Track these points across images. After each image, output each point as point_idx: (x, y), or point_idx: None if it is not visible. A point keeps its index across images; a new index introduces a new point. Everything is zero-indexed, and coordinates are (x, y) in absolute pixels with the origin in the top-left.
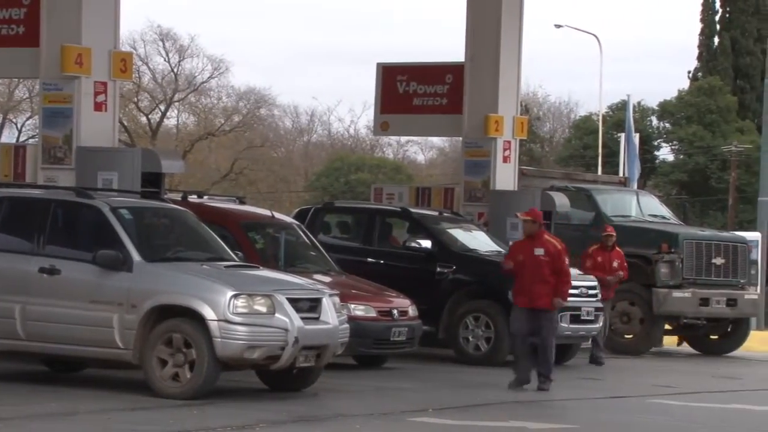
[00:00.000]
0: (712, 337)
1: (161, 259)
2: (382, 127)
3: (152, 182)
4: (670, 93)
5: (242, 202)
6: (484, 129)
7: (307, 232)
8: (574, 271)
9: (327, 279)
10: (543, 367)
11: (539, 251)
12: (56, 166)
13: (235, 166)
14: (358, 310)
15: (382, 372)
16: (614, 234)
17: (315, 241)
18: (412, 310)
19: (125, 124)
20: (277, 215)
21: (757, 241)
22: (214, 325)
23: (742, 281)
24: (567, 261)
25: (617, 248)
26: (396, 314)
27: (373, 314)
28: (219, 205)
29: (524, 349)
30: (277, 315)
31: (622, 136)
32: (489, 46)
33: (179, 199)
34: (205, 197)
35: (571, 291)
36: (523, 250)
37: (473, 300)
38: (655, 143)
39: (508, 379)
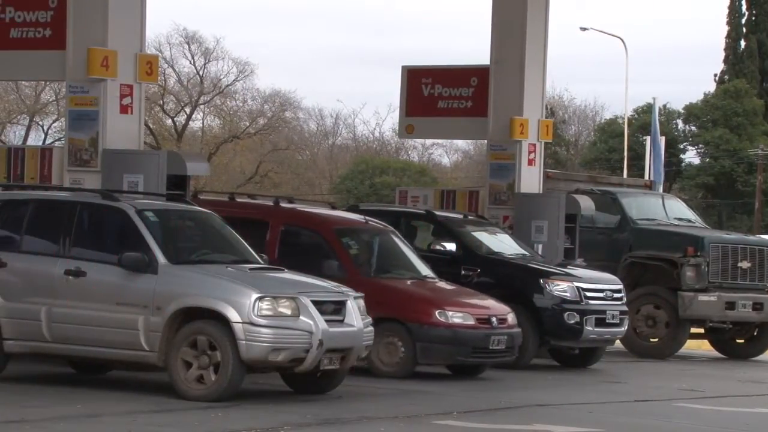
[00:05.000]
0: (737, 341)
1: (186, 262)
2: (407, 130)
3: (177, 185)
4: (696, 96)
5: (333, 208)
6: (509, 132)
7: (401, 237)
8: (603, 275)
9: (422, 285)
10: None
11: None
12: (82, 169)
13: (260, 169)
14: (456, 317)
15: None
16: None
17: (410, 246)
18: (511, 318)
19: (151, 126)
20: (372, 221)
21: None
22: (238, 328)
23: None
24: None
25: None
26: (495, 322)
27: (471, 322)
28: (312, 209)
29: None
30: (301, 317)
31: (648, 139)
32: (514, 48)
33: (271, 204)
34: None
35: (596, 294)
36: None
37: None
38: (681, 146)
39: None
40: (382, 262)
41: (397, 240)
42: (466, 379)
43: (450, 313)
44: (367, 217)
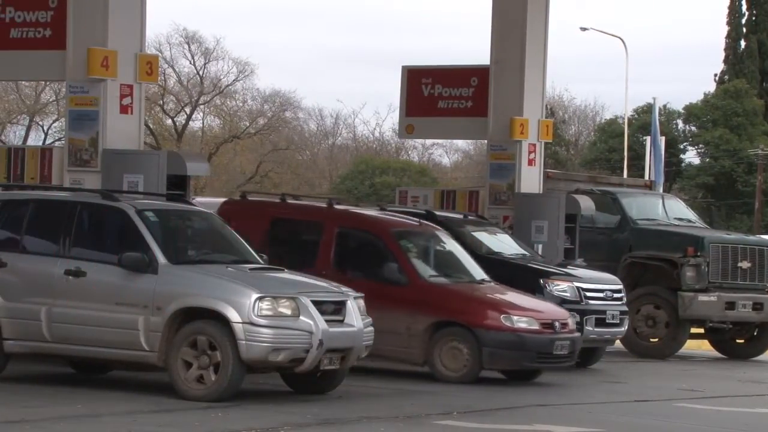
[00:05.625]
0: (737, 341)
1: (186, 262)
2: (407, 130)
3: (178, 185)
4: (696, 96)
5: (382, 209)
6: (509, 132)
7: (452, 239)
8: (603, 275)
9: (483, 289)
10: None
11: None
12: (82, 169)
13: (260, 169)
14: (521, 322)
15: (407, 375)
16: None
17: (462, 248)
18: (571, 322)
19: (151, 126)
20: (425, 223)
21: None
22: (238, 328)
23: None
24: None
25: None
26: (558, 326)
27: (536, 327)
28: (367, 211)
29: None
30: (301, 317)
31: (648, 139)
32: (514, 48)
33: (324, 205)
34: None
35: (596, 294)
36: None
37: None
38: (681, 146)
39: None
40: (438, 265)
41: (449, 242)
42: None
43: (515, 317)
44: (420, 220)
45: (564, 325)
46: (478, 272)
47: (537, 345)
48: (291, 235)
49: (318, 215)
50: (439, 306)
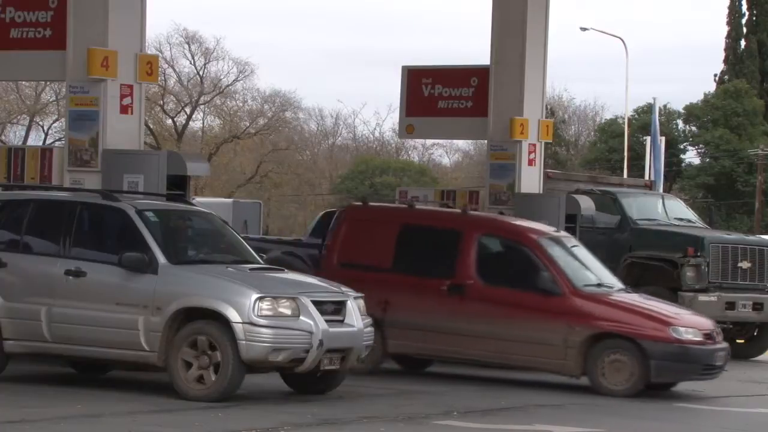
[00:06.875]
0: (738, 341)
1: (186, 262)
2: (407, 130)
3: (178, 185)
4: (696, 96)
5: (501, 213)
6: (509, 132)
7: (584, 246)
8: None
9: (637, 298)
10: None
11: None
12: (82, 169)
13: (260, 169)
14: (688, 333)
15: (407, 375)
16: None
17: (591, 254)
18: (720, 332)
19: (151, 126)
20: (559, 230)
21: None
22: (238, 328)
23: None
24: None
25: None
26: (715, 336)
27: (700, 338)
28: (508, 219)
29: None
30: (301, 318)
31: (648, 139)
32: (514, 48)
33: (460, 212)
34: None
35: None
36: None
37: None
38: (681, 147)
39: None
40: (580, 273)
41: (580, 248)
42: (467, 379)
43: (682, 329)
44: (557, 228)
45: (719, 334)
46: (613, 280)
47: (702, 356)
48: (424, 242)
49: (455, 222)
50: (600, 317)
